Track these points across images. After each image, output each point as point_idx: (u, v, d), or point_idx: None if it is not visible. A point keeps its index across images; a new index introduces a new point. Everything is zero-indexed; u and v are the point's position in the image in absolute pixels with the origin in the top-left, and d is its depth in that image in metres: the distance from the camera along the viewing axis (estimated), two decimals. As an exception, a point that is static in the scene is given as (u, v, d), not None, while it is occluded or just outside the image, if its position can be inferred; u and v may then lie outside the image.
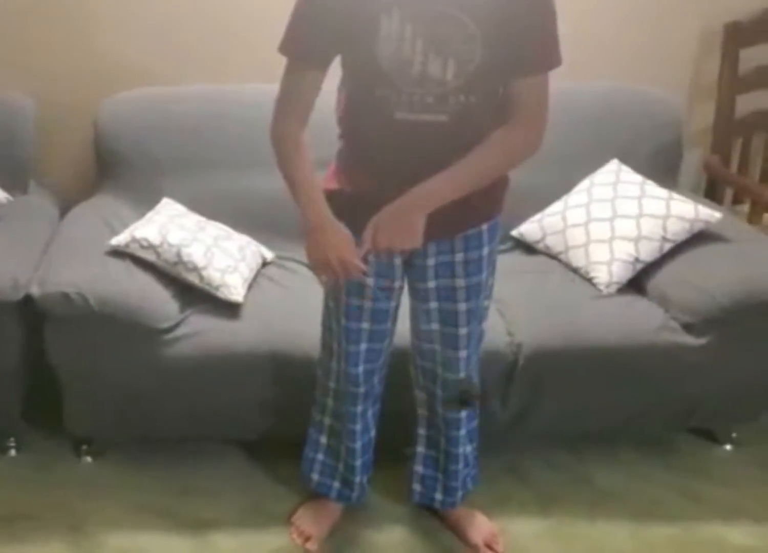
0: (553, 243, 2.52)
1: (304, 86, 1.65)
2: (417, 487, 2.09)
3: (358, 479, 2.05)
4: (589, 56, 2.71)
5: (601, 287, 2.34)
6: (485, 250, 1.78)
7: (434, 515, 2.14)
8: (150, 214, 2.32)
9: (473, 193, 1.66)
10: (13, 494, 2.18)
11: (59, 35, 2.62)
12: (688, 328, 2.21)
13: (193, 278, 2.19)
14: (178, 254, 2.17)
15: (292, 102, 1.66)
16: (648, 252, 2.37)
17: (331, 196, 1.77)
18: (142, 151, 2.51)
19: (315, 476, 2.09)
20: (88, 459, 2.31)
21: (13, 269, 2.13)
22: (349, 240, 1.67)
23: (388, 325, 1.89)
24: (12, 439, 2.32)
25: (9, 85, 2.57)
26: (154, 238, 2.17)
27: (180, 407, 2.20)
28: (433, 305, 1.82)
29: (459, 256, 1.77)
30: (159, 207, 2.37)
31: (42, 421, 2.36)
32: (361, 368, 1.91)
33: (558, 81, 2.46)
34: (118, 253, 2.17)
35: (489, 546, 2.07)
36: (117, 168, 2.52)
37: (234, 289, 2.20)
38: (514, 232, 2.60)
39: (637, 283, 2.38)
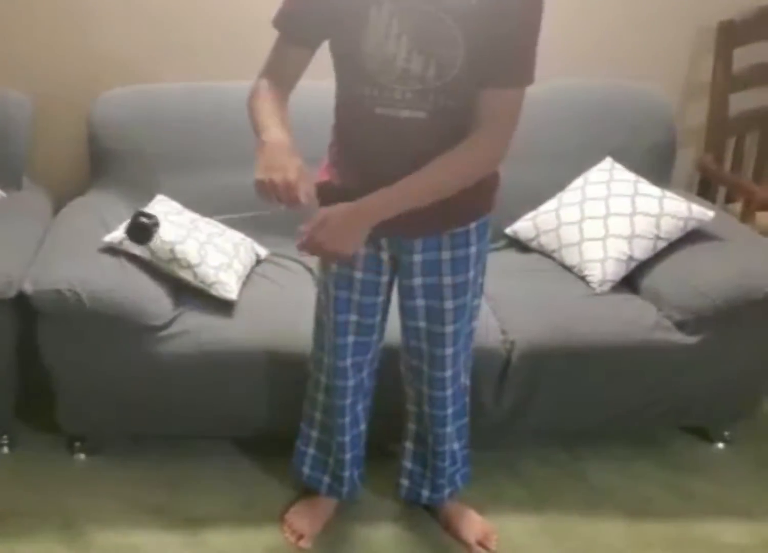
0: (547, 241, 2.53)
1: (286, 60, 1.65)
2: (405, 482, 2.10)
3: (347, 474, 2.05)
4: (584, 54, 2.72)
5: (595, 285, 2.35)
6: (473, 249, 1.78)
7: (427, 512, 2.15)
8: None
9: (462, 192, 1.67)
10: (5, 492, 2.18)
11: (53, 32, 2.61)
12: (680, 326, 2.22)
13: (186, 275, 2.19)
14: (172, 251, 2.16)
15: (272, 72, 1.66)
16: (641, 250, 2.37)
17: (321, 189, 1.77)
18: (135, 147, 2.51)
19: (306, 470, 2.09)
20: (82, 456, 2.31)
21: (7, 266, 2.12)
22: (301, 168, 1.51)
23: (377, 319, 1.89)
24: (5, 436, 2.31)
25: (3, 82, 2.56)
26: (148, 235, 2.16)
27: (173, 404, 2.20)
28: (420, 302, 1.82)
29: (446, 254, 1.77)
30: (153, 204, 2.37)
31: (35, 418, 2.36)
32: (349, 361, 1.91)
33: (552, 79, 2.47)
34: (111, 250, 2.17)
35: (482, 544, 2.07)
36: (111, 165, 2.52)
37: (228, 286, 2.20)
38: (508, 230, 2.60)
39: (630, 281, 2.39)
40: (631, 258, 2.37)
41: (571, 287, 2.37)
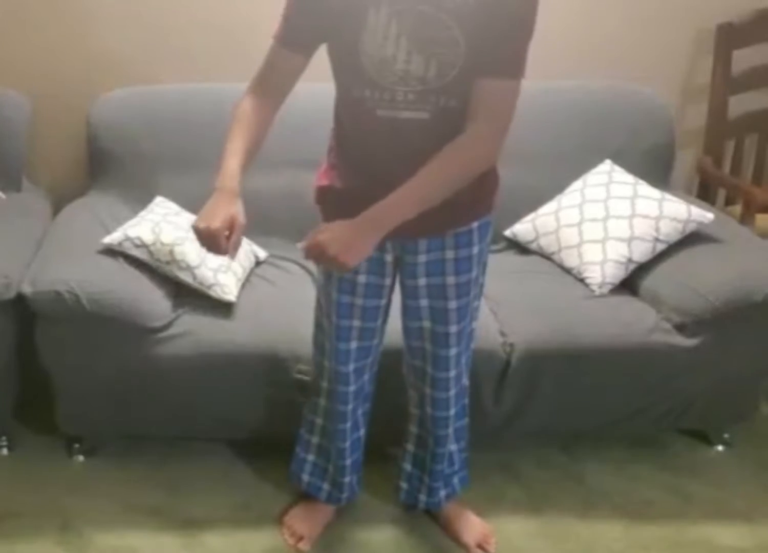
0: (546, 243, 2.53)
1: (281, 68, 1.65)
2: (404, 485, 2.10)
3: (347, 480, 2.05)
4: (583, 56, 2.73)
5: (594, 288, 2.35)
6: (475, 249, 1.78)
7: (426, 515, 2.14)
8: (143, 213, 2.31)
9: (464, 192, 1.66)
10: (4, 493, 2.18)
11: (52, 34, 2.61)
12: (680, 328, 2.21)
13: (186, 277, 2.19)
14: (171, 253, 2.17)
15: (263, 82, 1.66)
16: (640, 253, 2.37)
17: (322, 193, 1.79)
18: (135, 149, 2.51)
19: (305, 477, 2.09)
20: (80, 458, 2.31)
21: (6, 268, 2.13)
22: (234, 217, 1.56)
23: (378, 322, 1.89)
24: (4, 437, 2.31)
25: (2, 83, 2.56)
26: (147, 236, 2.17)
27: (172, 405, 2.20)
28: (424, 302, 1.82)
29: (450, 254, 1.77)
30: (152, 206, 2.37)
31: (34, 419, 2.36)
32: (351, 367, 1.91)
33: (551, 80, 2.46)
34: (111, 251, 2.17)
35: (481, 547, 2.07)
36: (110, 166, 2.52)
37: (227, 288, 2.20)
38: (508, 233, 2.60)
39: (629, 283, 2.39)
40: (630, 260, 2.37)
41: (570, 289, 2.37)
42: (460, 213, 1.73)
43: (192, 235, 2.20)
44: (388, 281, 1.83)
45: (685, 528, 2.15)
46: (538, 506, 2.21)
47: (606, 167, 2.58)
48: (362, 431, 2.04)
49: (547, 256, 2.53)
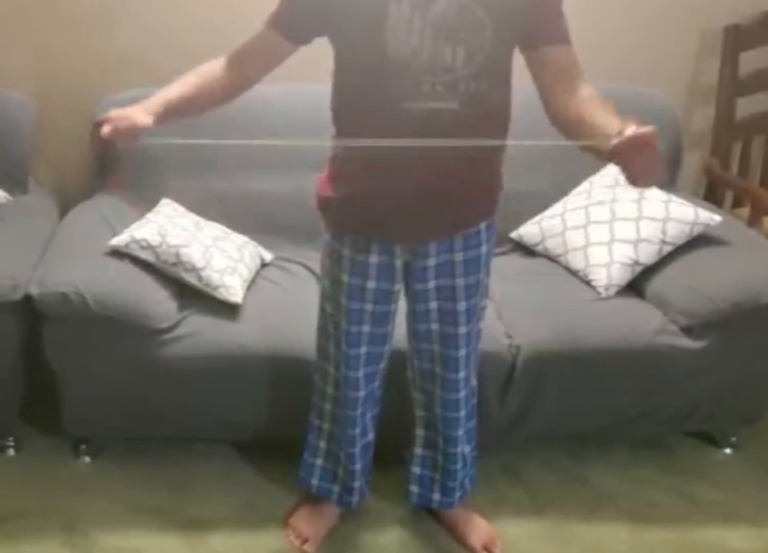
0: (553, 245, 2.52)
1: (263, 48, 1.66)
2: (414, 488, 2.09)
3: (357, 484, 2.04)
4: (589, 58, 2.69)
5: (600, 290, 2.34)
6: (483, 249, 1.79)
7: (432, 517, 2.14)
8: (149, 215, 2.32)
9: (474, 191, 1.67)
10: (10, 494, 2.18)
11: (58, 36, 2.62)
12: (686, 331, 2.21)
13: (191, 279, 2.19)
14: (177, 255, 2.17)
15: (242, 55, 1.65)
16: (647, 255, 2.36)
17: (329, 204, 1.77)
18: (141, 151, 2.49)
19: (315, 481, 2.08)
20: (87, 459, 2.31)
21: (13, 269, 2.13)
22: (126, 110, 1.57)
23: (389, 328, 1.88)
24: (11, 438, 2.31)
25: (9, 86, 2.57)
26: (154, 238, 2.17)
27: (177, 407, 2.20)
28: (433, 305, 1.82)
29: (458, 256, 1.77)
30: (158, 207, 2.38)
31: (40, 420, 2.37)
32: (361, 372, 1.90)
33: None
34: (117, 253, 2.18)
35: (487, 549, 2.07)
36: (116, 168, 2.52)
37: (232, 290, 2.20)
38: (513, 235, 2.60)
39: (636, 286, 2.38)
40: (636, 262, 2.36)
41: (576, 292, 2.36)
42: (468, 213, 1.73)
43: (199, 237, 2.25)
44: (397, 287, 1.83)
45: (691, 531, 2.15)
46: (542, 509, 2.20)
47: (612, 169, 2.56)
48: (371, 436, 2.04)
49: (553, 259, 2.53)
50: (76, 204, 2.51)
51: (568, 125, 1.59)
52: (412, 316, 1.89)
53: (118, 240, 2.18)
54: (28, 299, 2.08)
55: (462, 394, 1.92)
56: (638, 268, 2.36)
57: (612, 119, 1.49)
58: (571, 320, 2.23)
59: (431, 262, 1.77)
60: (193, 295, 2.21)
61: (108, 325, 2.08)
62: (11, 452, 2.32)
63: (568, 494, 2.25)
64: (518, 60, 1.66)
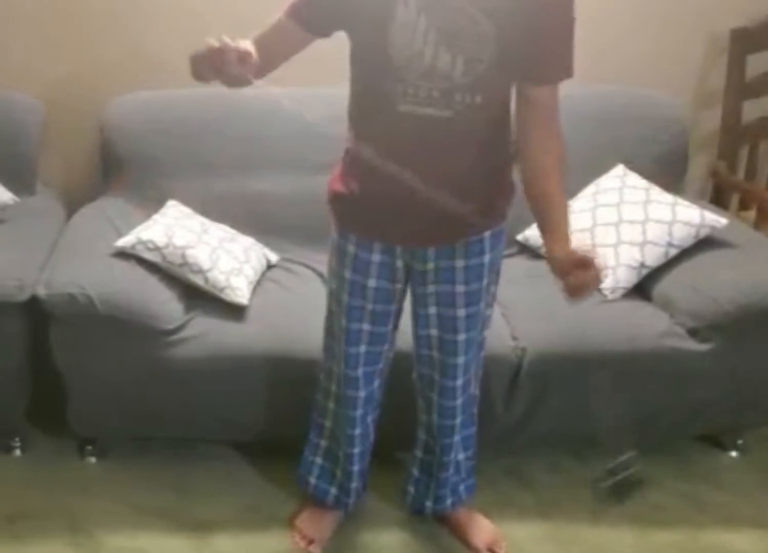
0: (559, 248, 2.51)
1: (283, 36, 1.63)
2: (411, 489, 2.10)
3: (354, 485, 2.05)
4: (596, 61, 2.70)
5: (606, 292, 2.34)
6: (487, 258, 1.77)
7: (436, 518, 2.14)
8: (156, 216, 2.32)
9: (476, 200, 1.67)
10: (16, 494, 2.19)
11: (65, 39, 2.63)
12: (693, 333, 2.20)
13: (198, 280, 2.19)
14: (184, 256, 2.18)
15: (261, 39, 1.58)
16: (653, 257, 2.36)
17: (337, 199, 1.79)
18: (147, 153, 2.52)
19: (312, 480, 2.08)
20: (92, 459, 2.31)
21: (20, 270, 2.14)
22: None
23: (389, 328, 1.88)
24: (17, 439, 2.32)
25: (16, 87, 2.58)
26: (160, 240, 2.18)
27: (183, 408, 2.21)
28: (432, 310, 1.82)
29: (460, 263, 1.76)
30: (164, 209, 2.38)
31: (47, 421, 2.37)
32: (360, 371, 1.90)
33: (564, 85, 2.46)
34: (123, 254, 2.18)
35: (491, 550, 2.06)
36: (123, 170, 2.54)
37: (239, 291, 2.20)
38: (519, 237, 2.59)
39: (642, 288, 2.38)
40: (643, 265, 2.36)
41: (582, 294, 2.36)
42: (471, 224, 1.72)
43: (205, 238, 2.25)
44: (398, 287, 1.83)
45: (697, 534, 2.14)
46: (547, 511, 2.20)
47: (619, 172, 2.57)
48: (371, 438, 2.04)
49: (559, 261, 2.52)
50: (82, 205, 2.52)
51: (530, 190, 1.70)
52: (414, 320, 1.89)
53: (125, 241, 2.19)
54: (35, 299, 2.09)
55: (458, 401, 1.92)
56: (644, 271, 2.36)
57: (562, 226, 1.71)
58: (576, 322, 2.22)
59: (430, 266, 1.77)
60: (200, 296, 2.22)
61: (114, 326, 2.08)
62: (17, 452, 2.33)
63: (572, 497, 2.25)
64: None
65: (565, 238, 1.70)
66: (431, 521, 2.13)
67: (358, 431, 1.98)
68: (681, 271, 2.35)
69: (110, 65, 2.64)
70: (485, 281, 1.79)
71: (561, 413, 2.23)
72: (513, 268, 2.39)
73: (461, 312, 1.80)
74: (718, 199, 2.89)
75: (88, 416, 2.25)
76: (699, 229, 2.37)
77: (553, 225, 1.71)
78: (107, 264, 2.16)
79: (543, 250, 1.77)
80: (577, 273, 1.63)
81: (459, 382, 1.88)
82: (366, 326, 1.85)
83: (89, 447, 2.32)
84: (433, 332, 1.84)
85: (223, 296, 2.19)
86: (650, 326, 2.22)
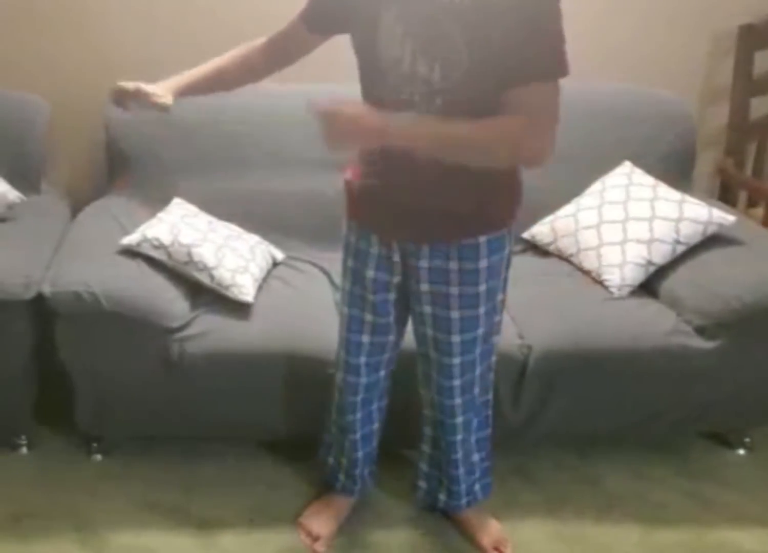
0: (565, 245, 2.51)
1: (292, 35, 1.75)
2: (422, 484, 2.10)
3: (359, 472, 2.06)
4: (602, 58, 2.71)
5: (613, 290, 2.33)
6: (483, 263, 1.73)
7: (443, 516, 2.14)
8: (161, 215, 2.32)
9: (465, 202, 1.66)
10: (22, 492, 2.20)
11: (70, 37, 2.64)
12: (700, 331, 2.20)
13: (203, 278, 2.19)
14: (189, 254, 2.18)
15: (275, 38, 1.76)
16: (660, 255, 2.35)
17: (346, 187, 1.82)
18: (153, 151, 2.52)
19: (331, 460, 2.10)
20: (98, 457, 2.32)
21: (25, 268, 2.15)
22: (157, 87, 1.69)
23: (390, 318, 1.88)
24: (23, 437, 2.33)
25: (22, 86, 2.59)
26: (165, 237, 2.18)
27: (189, 405, 2.21)
28: (427, 309, 1.81)
29: (454, 265, 1.74)
30: (170, 207, 2.38)
31: (53, 419, 2.38)
32: (362, 360, 1.91)
33: (570, 82, 2.46)
34: (129, 252, 2.19)
35: (497, 550, 2.06)
36: (128, 168, 2.54)
37: (244, 289, 2.20)
38: (526, 235, 2.59)
39: (649, 286, 2.37)
40: (650, 262, 2.35)
41: (589, 292, 2.36)
42: (463, 224, 1.70)
43: (210, 236, 2.25)
44: (396, 279, 1.83)
45: (703, 533, 2.14)
46: (553, 509, 2.19)
47: (625, 169, 2.56)
48: (376, 426, 2.04)
49: (565, 259, 2.52)
50: (87, 204, 2.52)
51: None
52: (411, 317, 1.89)
53: (130, 239, 2.19)
54: (40, 297, 2.09)
55: (457, 401, 1.91)
56: (651, 268, 2.36)
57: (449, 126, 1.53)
58: (583, 319, 2.22)
59: (424, 264, 1.76)
60: (205, 294, 2.22)
61: (120, 323, 2.08)
62: (24, 450, 2.33)
63: (579, 495, 2.24)
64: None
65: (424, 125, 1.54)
66: (439, 519, 2.14)
67: (359, 416, 1.99)
68: (688, 268, 2.34)
69: (115, 64, 2.63)
70: (483, 286, 1.76)
71: (567, 410, 2.22)
72: (519, 266, 2.35)
73: (455, 314, 1.78)
74: (725, 196, 2.88)
75: (94, 414, 2.25)
76: (706, 227, 2.36)
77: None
78: (113, 262, 2.16)
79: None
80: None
81: (456, 382, 1.88)
82: (368, 317, 1.86)
83: (95, 445, 2.32)
84: (429, 331, 1.84)
85: (228, 293, 2.19)
86: (657, 324, 2.21)
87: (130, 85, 1.66)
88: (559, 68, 1.49)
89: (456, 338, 1.81)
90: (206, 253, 2.19)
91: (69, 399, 2.21)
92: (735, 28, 2.78)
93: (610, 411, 2.26)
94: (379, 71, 1.58)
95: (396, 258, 1.80)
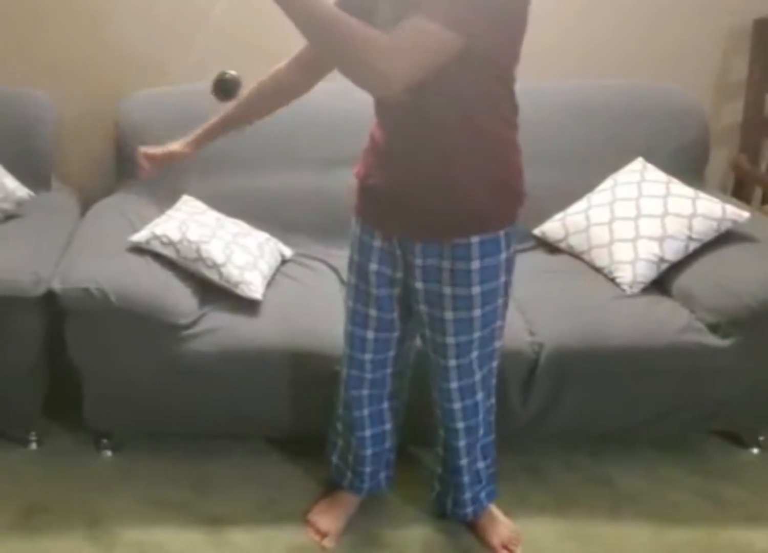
0: (576, 242, 2.50)
1: None
2: (436, 486, 2.09)
3: (367, 470, 2.05)
4: (616, 54, 2.71)
5: (625, 287, 2.32)
6: (475, 264, 1.71)
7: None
8: (170, 212, 2.32)
9: (459, 201, 1.66)
10: (32, 488, 2.20)
11: (80, 34, 2.64)
12: (713, 328, 2.18)
13: (212, 275, 2.19)
14: (198, 251, 2.17)
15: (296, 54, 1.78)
16: (673, 251, 2.34)
17: (356, 181, 1.83)
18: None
19: (335, 459, 2.10)
20: (108, 453, 2.32)
21: (35, 265, 2.15)
22: (168, 150, 1.90)
23: (395, 314, 1.87)
24: (33, 433, 2.33)
25: (31, 83, 2.60)
26: (174, 234, 2.18)
27: (197, 402, 2.21)
28: (423, 307, 1.80)
29: (446, 264, 1.72)
30: (179, 204, 2.38)
31: (63, 415, 2.38)
32: (368, 356, 1.91)
33: (584, 78, 2.46)
34: (138, 249, 2.19)
35: (507, 548, 2.05)
36: (137, 165, 2.53)
37: (253, 286, 2.20)
38: (536, 231, 2.57)
39: (661, 283, 2.36)
40: (662, 259, 2.33)
41: (600, 289, 2.34)
42: (455, 223, 1.69)
43: (219, 233, 2.25)
44: (398, 274, 1.82)
45: (716, 532, 2.12)
46: (564, 508, 2.18)
47: (638, 165, 2.54)
48: (388, 426, 2.03)
49: (576, 256, 2.50)
50: (97, 201, 2.53)
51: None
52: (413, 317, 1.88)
53: (139, 236, 2.19)
54: (50, 294, 2.10)
55: (457, 405, 1.89)
56: (664, 266, 2.34)
57: None
58: (594, 317, 2.20)
59: (418, 262, 1.75)
60: (214, 291, 2.22)
61: (129, 320, 2.09)
62: (33, 446, 2.34)
63: (590, 494, 2.23)
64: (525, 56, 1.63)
65: None
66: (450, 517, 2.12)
67: (366, 413, 1.98)
68: (701, 265, 2.32)
69: (124, 62, 2.65)
70: (476, 288, 1.74)
71: (578, 408, 2.21)
72: (530, 262, 2.37)
73: (449, 315, 1.77)
74: (739, 193, 2.87)
75: (103, 411, 2.25)
76: (720, 223, 2.34)
77: None
78: (122, 259, 2.16)
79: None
80: None
81: (453, 385, 1.86)
82: (372, 312, 1.86)
83: (105, 441, 2.32)
84: (427, 331, 1.83)
85: (237, 290, 2.19)
86: (670, 322, 2.19)
87: (155, 152, 1.85)
88: (447, 16, 1.42)
89: (450, 340, 1.79)
90: (215, 250, 2.19)
91: (78, 396, 2.22)
92: (750, 23, 2.76)
93: (621, 409, 2.25)
94: None
95: (398, 253, 1.79)
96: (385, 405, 2.00)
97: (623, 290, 2.32)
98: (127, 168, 2.55)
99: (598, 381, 2.18)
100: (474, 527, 2.09)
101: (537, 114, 2.42)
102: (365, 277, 1.84)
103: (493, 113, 1.63)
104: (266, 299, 2.23)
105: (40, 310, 2.16)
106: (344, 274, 2.00)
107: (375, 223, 1.80)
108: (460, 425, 1.92)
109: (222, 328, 2.14)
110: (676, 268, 2.34)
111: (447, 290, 1.74)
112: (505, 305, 1.83)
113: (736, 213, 2.35)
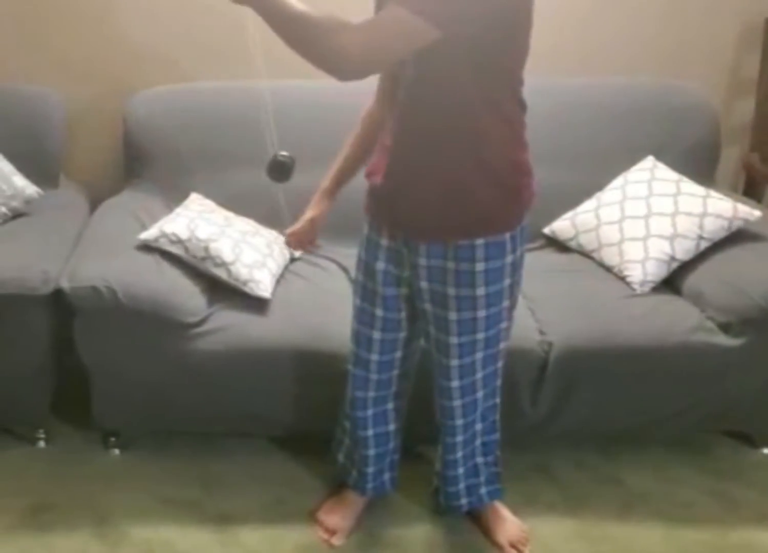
0: (586, 241, 2.48)
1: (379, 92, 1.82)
2: (435, 481, 2.10)
3: (371, 470, 2.04)
4: (628, 51, 2.69)
5: (635, 286, 2.31)
6: (479, 266, 1.70)
7: (461, 514, 2.12)
8: (179, 210, 2.32)
9: (461, 202, 1.65)
10: (40, 485, 2.20)
11: (88, 32, 2.64)
12: (724, 328, 2.17)
13: (221, 273, 2.19)
14: (207, 249, 2.17)
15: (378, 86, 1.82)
16: (684, 250, 2.32)
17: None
18: (170, 146, 2.52)
19: (341, 458, 2.10)
20: (116, 451, 2.32)
21: (44, 263, 2.15)
22: (305, 219, 1.95)
23: (402, 314, 1.87)
24: (41, 431, 2.33)
25: (40, 81, 2.60)
26: (183, 233, 2.17)
27: (206, 400, 2.20)
28: (428, 307, 1.80)
29: (451, 265, 1.72)
30: (187, 202, 2.38)
31: (71, 413, 2.39)
32: (374, 357, 1.91)
33: (594, 76, 2.45)
34: (147, 247, 2.19)
35: (515, 547, 2.04)
36: (146, 164, 2.54)
37: (262, 284, 2.19)
38: (546, 230, 2.56)
39: (672, 282, 2.35)
40: (673, 258, 2.32)
41: (610, 288, 2.33)
42: (458, 225, 1.69)
43: (228, 231, 2.25)
44: (405, 273, 1.81)
45: (726, 533, 2.11)
46: (574, 508, 2.17)
47: (648, 164, 2.53)
48: (392, 427, 2.03)
49: (586, 254, 2.49)
50: (105, 199, 2.53)
51: None
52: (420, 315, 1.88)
53: (148, 234, 2.19)
54: (59, 292, 2.10)
55: (457, 403, 1.89)
56: (674, 264, 2.33)
57: None
58: (604, 316, 2.19)
59: (422, 261, 1.74)
60: (222, 289, 2.21)
61: (138, 319, 2.08)
62: (42, 444, 2.34)
63: (600, 494, 2.22)
64: (535, 53, 1.61)
65: None
66: (457, 516, 2.11)
67: (369, 413, 1.98)
68: (712, 264, 2.31)
69: (133, 60, 2.65)
70: (481, 290, 1.73)
71: (587, 408, 2.20)
72: (539, 261, 2.37)
73: (453, 315, 1.76)
74: (751, 191, 2.85)
75: (111, 409, 2.25)
76: (731, 222, 2.33)
77: None
78: (130, 257, 2.16)
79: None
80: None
81: (455, 383, 1.86)
82: (379, 312, 1.85)
83: (113, 439, 2.32)
84: (432, 330, 1.83)
85: (246, 289, 2.19)
86: (680, 321, 2.18)
87: (297, 229, 1.94)
88: (414, 2, 1.43)
89: (454, 340, 1.79)
90: (223, 248, 2.19)
91: (86, 394, 2.22)
92: (762, 20, 2.74)
93: (631, 409, 2.24)
94: None
95: (404, 251, 1.79)
96: (390, 406, 2.00)
97: (633, 289, 2.30)
98: (135, 166, 2.57)
99: (608, 380, 2.17)
100: (480, 525, 2.09)
101: (547, 112, 2.41)
102: (372, 275, 1.83)
103: (498, 114, 1.62)
104: (275, 298, 2.22)
105: (49, 308, 2.16)
106: (353, 273, 2.00)
107: (381, 222, 1.80)
108: (459, 421, 1.92)
109: (230, 326, 2.14)
110: (687, 267, 2.33)
111: (451, 291, 1.74)
112: (512, 307, 1.82)
113: (748, 212, 2.34)
